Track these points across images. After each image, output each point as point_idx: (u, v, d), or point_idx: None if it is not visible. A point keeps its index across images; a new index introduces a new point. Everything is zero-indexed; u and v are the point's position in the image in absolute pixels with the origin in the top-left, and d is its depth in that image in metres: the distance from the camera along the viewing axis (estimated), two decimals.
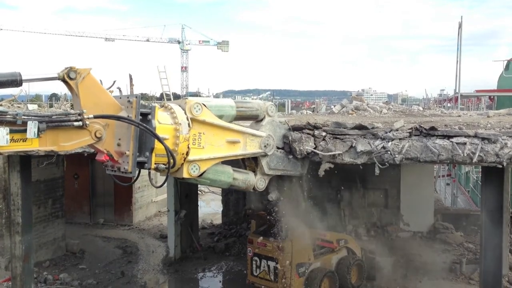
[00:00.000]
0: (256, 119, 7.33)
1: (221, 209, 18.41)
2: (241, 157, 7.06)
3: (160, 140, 5.28)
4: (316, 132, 7.82)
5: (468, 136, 7.07)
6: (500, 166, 6.99)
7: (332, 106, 17.81)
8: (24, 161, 10.55)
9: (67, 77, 5.03)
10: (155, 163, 5.54)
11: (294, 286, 10.28)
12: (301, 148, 7.52)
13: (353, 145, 7.47)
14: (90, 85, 5.16)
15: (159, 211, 20.06)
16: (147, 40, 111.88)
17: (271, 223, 10.81)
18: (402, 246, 14.96)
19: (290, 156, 7.60)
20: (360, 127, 7.71)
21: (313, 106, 39.86)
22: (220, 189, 19.76)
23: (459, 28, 19.97)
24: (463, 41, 19.86)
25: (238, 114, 6.92)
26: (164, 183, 5.97)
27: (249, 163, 7.37)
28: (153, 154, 5.46)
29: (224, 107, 6.75)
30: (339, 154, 7.44)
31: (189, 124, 5.98)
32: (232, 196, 18.11)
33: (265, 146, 7.10)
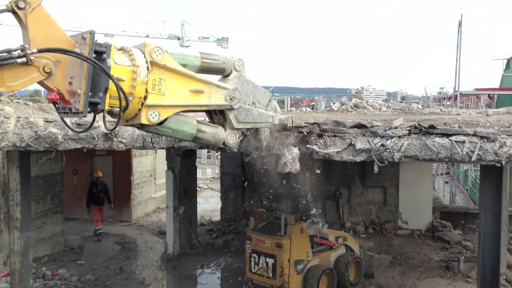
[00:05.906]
0: (222, 73, 7.06)
1: (220, 206, 18.43)
2: (205, 108, 6.79)
3: (110, 76, 4.93)
4: (315, 130, 7.82)
5: (467, 134, 7.07)
6: (499, 165, 6.99)
7: (332, 104, 17.79)
8: (23, 156, 10.54)
9: (16, 6, 4.60)
10: (109, 106, 5.17)
11: (292, 283, 10.30)
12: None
13: (352, 142, 7.47)
14: (41, 16, 4.73)
15: (158, 208, 20.08)
16: (147, 36, 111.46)
17: (269, 220, 10.84)
18: (400, 243, 15.03)
19: (259, 108, 7.35)
20: (359, 125, 7.71)
21: (312, 103, 39.92)
22: (219, 186, 19.79)
23: (459, 26, 19.96)
24: (463, 39, 19.88)
25: (203, 65, 6.62)
26: (115, 127, 5.76)
27: (218, 118, 7.16)
28: (107, 96, 5.12)
29: (188, 56, 6.46)
30: (338, 152, 7.45)
31: (148, 68, 5.57)
32: (231, 193, 18.15)
33: (230, 99, 6.83)
